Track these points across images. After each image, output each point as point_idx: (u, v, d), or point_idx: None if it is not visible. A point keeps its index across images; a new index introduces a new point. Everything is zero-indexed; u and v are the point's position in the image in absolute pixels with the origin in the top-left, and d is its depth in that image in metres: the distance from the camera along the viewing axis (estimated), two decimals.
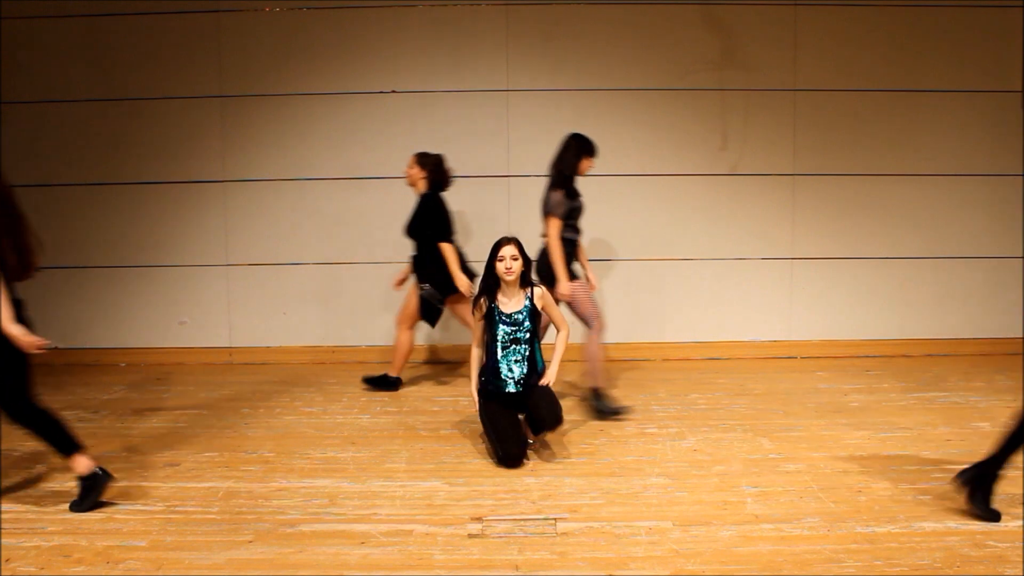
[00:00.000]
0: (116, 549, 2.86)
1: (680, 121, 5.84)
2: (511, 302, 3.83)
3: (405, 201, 5.93)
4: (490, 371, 3.82)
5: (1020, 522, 2.99)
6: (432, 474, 3.58)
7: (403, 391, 5.09)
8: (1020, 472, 3.50)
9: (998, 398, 4.75)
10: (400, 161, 5.94)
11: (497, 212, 5.88)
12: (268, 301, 5.95)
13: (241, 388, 5.18)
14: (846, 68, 5.79)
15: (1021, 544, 2.82)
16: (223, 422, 4.43)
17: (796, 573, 2.65)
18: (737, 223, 5.90)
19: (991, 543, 2.83)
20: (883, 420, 4.34)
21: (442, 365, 5.85)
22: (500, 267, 3.77)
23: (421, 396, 4.95)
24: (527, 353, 3.81)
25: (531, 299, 3.85)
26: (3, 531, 3.00)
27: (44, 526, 3.06)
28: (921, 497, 3.24)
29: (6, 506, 3.23)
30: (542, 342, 4.05)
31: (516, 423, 3.77)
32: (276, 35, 5.78)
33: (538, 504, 3.23)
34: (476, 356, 3.93)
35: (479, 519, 3.09)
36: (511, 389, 3.78)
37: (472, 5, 5.76)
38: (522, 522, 3.06)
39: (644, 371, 5.52)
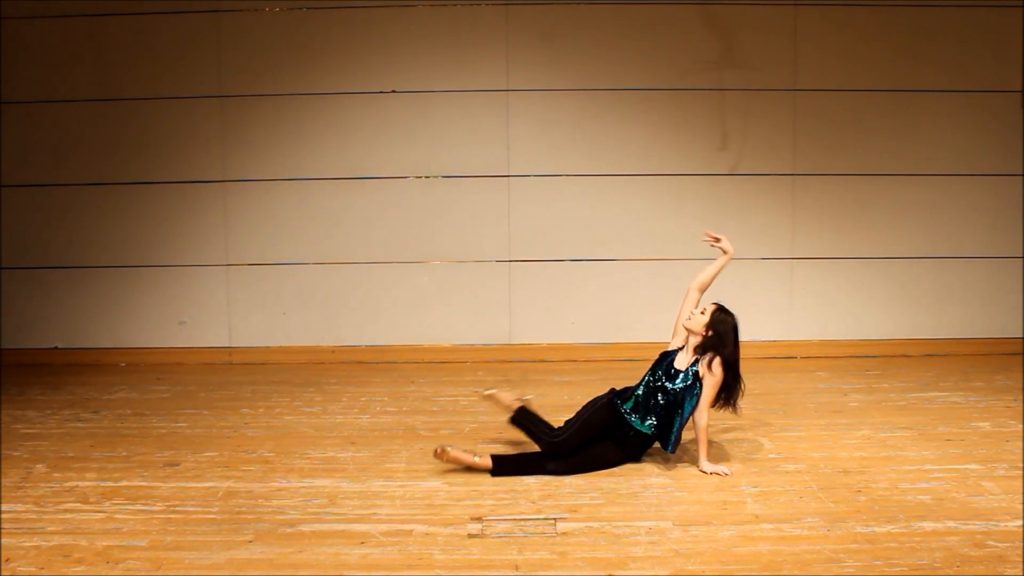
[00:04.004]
0: (116, 549, 2.86)
1: (680, 121, 5.83)
2: (683, 360, 3.63)
3: (405, 201, 5.95)
4: (627, 396, 3.66)
5: (1020, 522, 2.99)
6: (432, 474, 3.57)
7: (403, 391, 5.08)
8: (1020, 472, 3.51)
9: (998, 398, 4.75)
10: (400, 161, 5.96)
11: (497, 212, 5.88)
12: (268, 301, 5.94)
13: (241, 388, 5.18)
14: (846, 68, 5.79)
15: (1021, 544, 2.82)
16: (223, 422, 4.43)
17: (796, 573, 2.65)
18: (737, 223, 5.89)
19: (991, 543, 2.83)
20: (883, 420, 4.34)
21: (446, 366, 5.85)
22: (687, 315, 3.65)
23: (421, 396, 4.95)
24: (657, 411, 3.58)
25: (696, 364, 3.59)
26: (3, 531, 3.00)
27: (44, 526, 3.06)
28: (921, 497, 3.24)
29: (6, 506, 3.23)
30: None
31: (594, 441, 3.59)
32: (276, 35, 5.77)
33: (538, 504, 3.23)
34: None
35: (479, 519, 3.09)
36: (636, 423, 3.59)
37: (472, 5, 5.76)
38: (522, 522, 3.06)
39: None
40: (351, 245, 5.90)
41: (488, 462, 3.55)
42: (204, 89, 5.80)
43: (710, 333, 3.58)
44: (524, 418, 3.72)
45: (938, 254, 5.93)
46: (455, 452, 3.56)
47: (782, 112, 5.81)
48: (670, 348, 3.73)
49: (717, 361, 3.55)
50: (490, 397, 3.90)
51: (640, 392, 3.63)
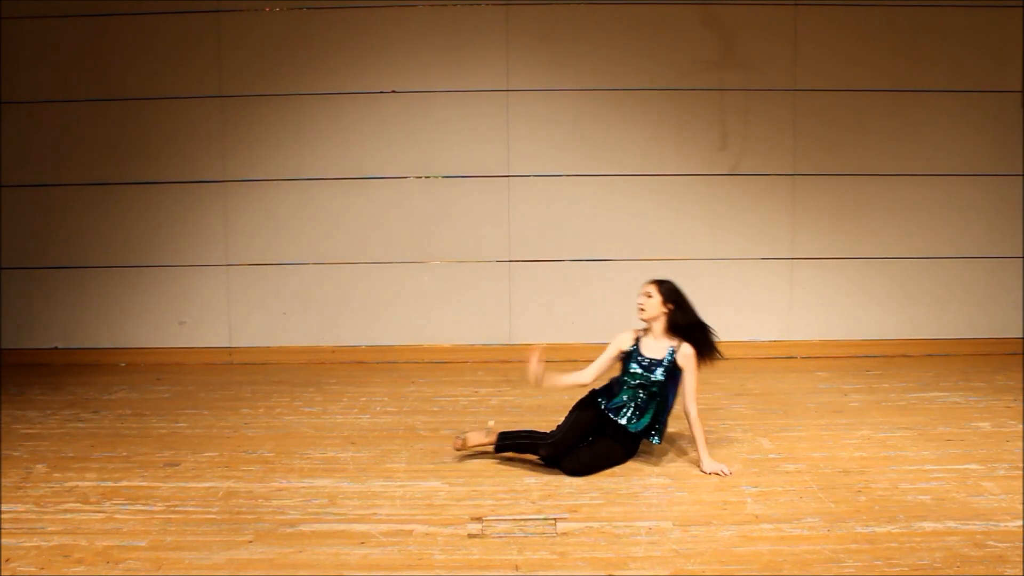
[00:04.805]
0: (116, 549, 2.86)
1: (680, 121, 5.83)
2: (654, 347, 3.62)
3: (405, 201, 5.95)
4: (610, 394, 3.65)
5: (1020, 522, 2.99)
6: (432, 474, 3.57)
7: (403, 391, 5.08)
8: (1020, 472, 3.51)
9: (998, 398, 4.75)
10: (400, 161, 5.97)
11: (497, 212, 5.88)
12: (268, 301, 5.95)
13: (241, 388, 5.18)
14: (846, 68, 5.79)
15: (1021, 544, 2.82)
16: (223, 422, 4.43)
17: (796, 573, 2.65)
18: (737, 223, 5.90)
19: (991, 543, 2.83)
20: (883, 420, 4.33)
21: (446, 366, 5.85)
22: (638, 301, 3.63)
23: (421, 396, 4.95)
24: (646, 406, 3.58)
25: (673, 354, 3.57)
26: (3, 531, 3.00)
27: (44, 526, 3.06)
28: (921, 497, 3.24)
29: (6, 506, 3.23)
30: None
31: (585, 438, 3.58)
32: (276, 35, 5.78)
33: (538, 504, 3.23)
34: (574, 375, 3.64)
35: (479, 519, 3.09)
36: (622, 421, 3.57)
37: (472, 5, 5.76)
38: (522, 522, 3.06)
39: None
40: (351, 245, 5.91)
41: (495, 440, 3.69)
42: (204, 89, 5.80)
43: (672, 307, 3.59)
44: (508, 440, 3.67)
45: (938, 254, 5.94)
46: (474, 438, 3.70)
47: (782, 112, 5.81)
48: (626, 348, 3.68)
49: (690, 349, 3.57)
50: (464, 447, 3.74)
51: (623, 394, 3.62)
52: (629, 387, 3.61)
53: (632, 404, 3.60)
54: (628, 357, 3.66)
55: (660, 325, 3.62)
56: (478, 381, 5.33)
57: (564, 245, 5.91)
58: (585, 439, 3.59)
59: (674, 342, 3.60)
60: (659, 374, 3.58)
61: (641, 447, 3.79)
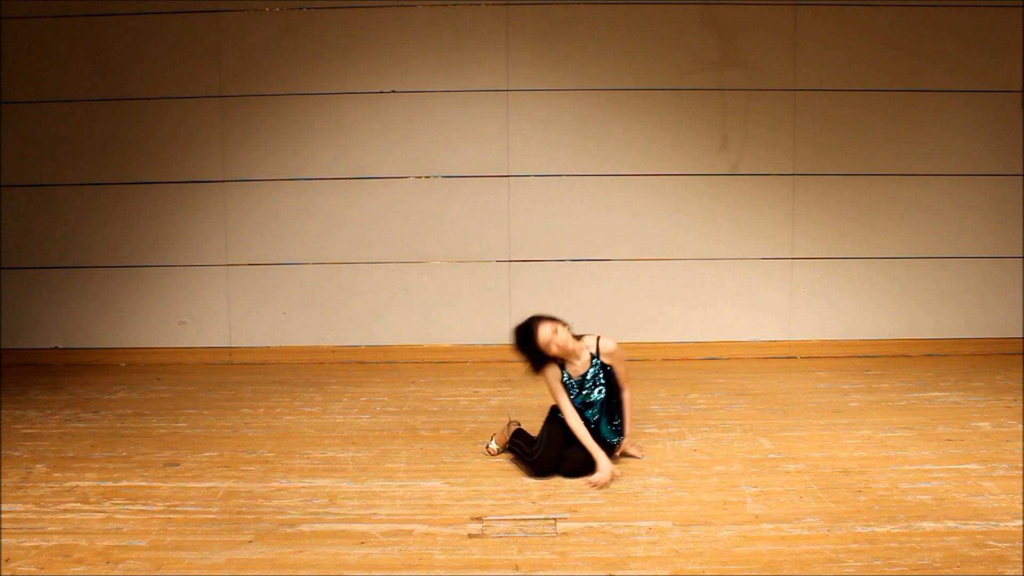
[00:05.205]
0: (116, 549, 2.86)
1: (680, 121, 5.83)
2: (577, 364, 3.63)
3: (405, 201, 5.96)
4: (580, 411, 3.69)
5: (1020, 522, 2.99)
6: (432, 474, 3.58)
7: (403, 391, 5.08)
8: (1020, 472, 3.51)
9: (998, 398, 4.75)
10: (400, 161, 5.97)
11: (497, 212, 5.88)
12: (268, 301, 5.95)
13: (241, 388, 5.18)
14: (846, 68, 5.79)
15: (1021, 544, 2.82)
16: (223, 422, 4.43)
17: (796, 573, 2.65)
18: (737, 223, 5.90)
19: (991, 543, 2.83)
20: (883, 420, 4.34)
21: (446, 366, 5.85)
22: (555, 349, 3.53)
23: (421, 396, 4.95)
24: (604, 410, 3.64)
25: (596, 354, 3.62)
26: (3, 531, 3.00)
27: (44, 526, 3.06)
28: (921, 497, 3.25)
29: (6, 506, 3.23)
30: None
31: (566, 444, 3.59)
32: (276, 35, 5.78)
33: (538, 504, 3.23)
34: (580, 432, 3.56)
35: (479, 519, 3.09)
36: (604, 434, 3.65)
37: (472, 5, 5.76)
38: (522, 522, 3.06)
39: (644, 371, 5.51)
40: (351, 245, 5.91)
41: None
42: (204, 89, 5.80)
43: (565, 324, 3.60)
44: (513, 445, 3.71)
45: (938, 254, 5.94)
46: (499, 439, 3.80)
47: (782, 112, 5.81)
48: (565, 380, 3.65)
49: (609, 343, 3.63)
50: (497, 451, 3.82)
51: (587, 417, 3.63)
52: (585, 407, 3.64)
53: (601, 418, 3.64)
54: (567, 387, 3.65)
55: (573, 344, 3.59)
56: (478, 381, 5.33)
57: (564, 245, 5.91)
58: (567, 445, 3.58)
59: (586, 346, 3.63)
60: (601, 381, 3.62)
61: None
